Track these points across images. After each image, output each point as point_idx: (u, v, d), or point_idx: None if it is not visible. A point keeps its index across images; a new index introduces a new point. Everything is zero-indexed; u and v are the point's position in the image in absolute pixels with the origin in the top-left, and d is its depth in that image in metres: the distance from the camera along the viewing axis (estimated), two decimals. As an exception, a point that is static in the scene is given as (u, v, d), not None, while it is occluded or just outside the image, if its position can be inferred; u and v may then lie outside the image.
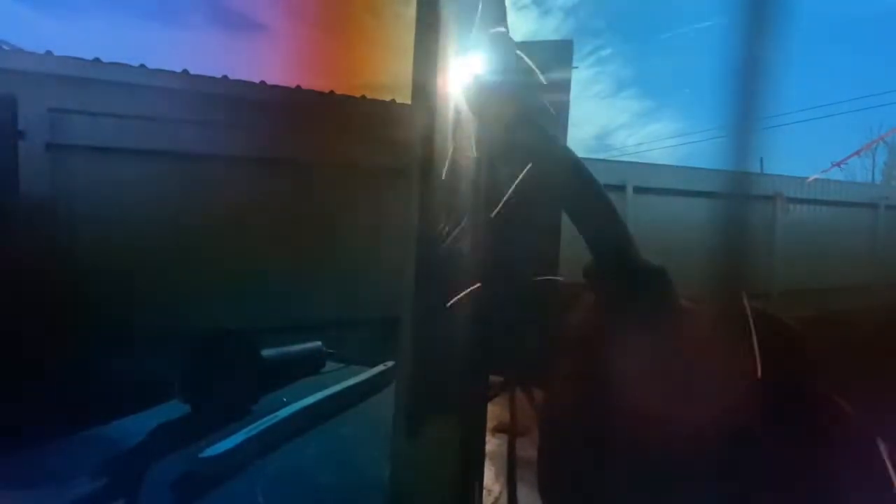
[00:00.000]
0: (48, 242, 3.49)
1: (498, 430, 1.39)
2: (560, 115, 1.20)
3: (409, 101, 0.90)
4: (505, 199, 0.96)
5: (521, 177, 0.92)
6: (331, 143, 4.52)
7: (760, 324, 0.88)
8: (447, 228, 0.85)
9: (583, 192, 0.91)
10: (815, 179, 7.95)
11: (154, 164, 3.94)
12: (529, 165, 0.91)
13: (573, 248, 1.03)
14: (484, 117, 0.93)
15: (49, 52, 3.71)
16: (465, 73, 0.91)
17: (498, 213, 0.96)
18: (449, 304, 0.84)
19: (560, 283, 1.21)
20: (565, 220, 0.99)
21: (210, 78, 4.23)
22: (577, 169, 0.91)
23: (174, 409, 1.70)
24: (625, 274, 0.88)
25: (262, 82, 4.46)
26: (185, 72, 4.14)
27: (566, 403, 0.97)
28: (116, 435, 1.61)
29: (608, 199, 0.92)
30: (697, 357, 0.83)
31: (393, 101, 4.84)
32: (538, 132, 0.92)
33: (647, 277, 0.89)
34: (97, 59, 3.82)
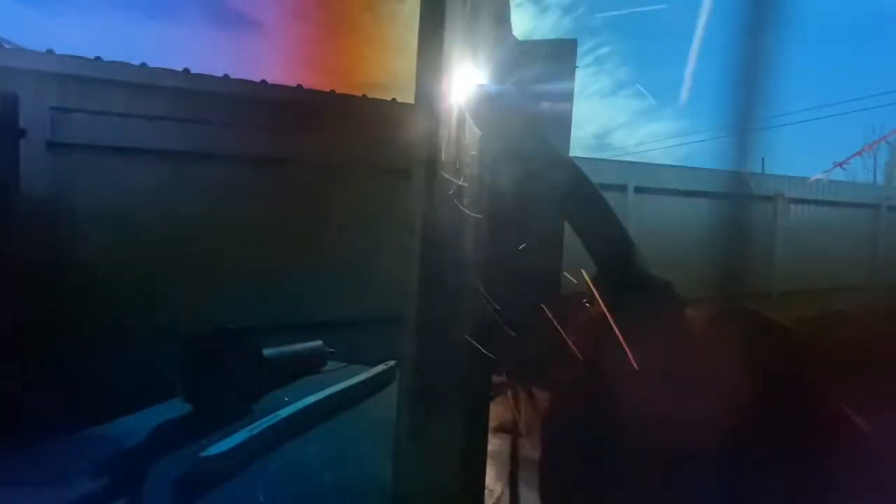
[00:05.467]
0: (49, 240, 3.49)
1: (499, 430, 1.39)
2: (563, 115, 1.20)
3: (410, 100, 0.90)
4: (507, 203, 0.96)
5: (523, 185, 0.92)
6: (332, 143, 4.51)
7: (760, 328, 0.88)
8: (450, 230, 0.85)
9: (584, 203, 0.91)
10: (817, 179, 7.94)
11: (155, 163, 3.94)
12: (531, 174, 0.91)
13: (575, 250, 1.03)
14: (486, 127, 0.93)
15: (50, 51, 3.71)
16: (467, 80, 0.91)
17: (501, 216, 0.96)
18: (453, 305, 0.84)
19: (563, 289, 1.21)
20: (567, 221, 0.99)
21: (211, 77, 4.22)
22: (577, 180, 0.90)
23: (175, 407, 1.70)
24: (627, 286, 0.88)
25: (263, 81, 4.46)
26: (187, 71, 4.14)
27: (568, 406, 0.97)
28: (117, 434, 1.61)
29: (609, 209, 0.91)
30: (699, 363, 0.83)
31: (394, 100, 4.83)
32: (540, 143, 0.92)
33: (649, 290, 0.89)
34: (98, 58, 3.81)
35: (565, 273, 1.27)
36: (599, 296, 0.93)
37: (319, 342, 2.53)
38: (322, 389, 1.77)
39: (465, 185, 0.90)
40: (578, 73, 1.26)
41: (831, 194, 8.16)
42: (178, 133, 4.03)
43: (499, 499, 1.17)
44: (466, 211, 0.90)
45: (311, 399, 1.67)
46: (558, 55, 1.20)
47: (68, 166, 3.66)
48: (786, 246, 7.15)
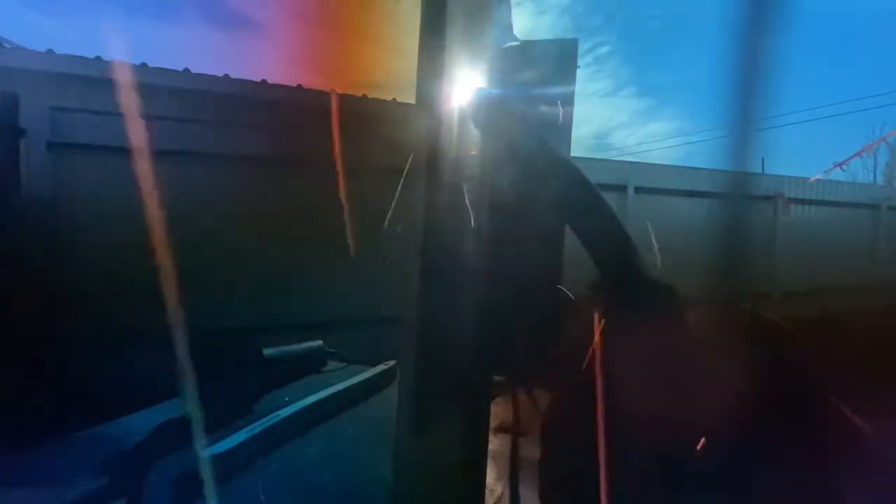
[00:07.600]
0: (49, 240, 3.49)
1: (499, 430, 1.39)
2: (564, 116, 1.20)
3: (410, 100, 0.90)
4: (508, 205, 0.96)
5: (523, 186, 0.92)
6: (332, 143, 4.52)
7: (761, 330, 0.88)
8: (450, 231, 0.85)
9: (584, 206, 0.91)
10: (817, 179, 7.94)
11: (155, 163, 3.95)
12: (531, 175, 0.91)
13: (576, 251, 1.03)
14: (485, 128, 0.92)
15: (50, 51, 3.71)
16: (468, 80, 0.90)
17: (503, 217, 0.96)
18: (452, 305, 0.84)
19: (563, 291, 1.21)
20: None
21: (212, 77, 4.23)
22: (578, 182, 0.90)
23: (175, 407, 1.70)
24: (628, 287, 0.88)
25: (263, 81, 4.46)
26: (187, 70, 4.14)
27: (568, 407, 0.97)
28: (118, 434, 1.61)
29: (610, 211, 0.91)
30: (700, 365, 0.83)
31: (394, 100, 4.84)
32: (540, 144, 0.92)
33: (650, 291, 0.89)
34: (98, 58, 3.82)
35: (566, 275, 1.27)
36: (600, 297, 0.93)
37: (319, 342, 2.53)
38: (322, 389, 1.77)
39: (466, 185, 0.90)
40: (578, 73, 1.26)
41: (831, 194, 8.16)
42: (179, 133, 4.04)
43: (499, 499, 1.17)
44: (467, 211, 0.90)
45: (311, 399, 1.66)
46: (559, 55, 1.19)
47: (68, 166, 3.67)
48: (786, 246, 7.15)
